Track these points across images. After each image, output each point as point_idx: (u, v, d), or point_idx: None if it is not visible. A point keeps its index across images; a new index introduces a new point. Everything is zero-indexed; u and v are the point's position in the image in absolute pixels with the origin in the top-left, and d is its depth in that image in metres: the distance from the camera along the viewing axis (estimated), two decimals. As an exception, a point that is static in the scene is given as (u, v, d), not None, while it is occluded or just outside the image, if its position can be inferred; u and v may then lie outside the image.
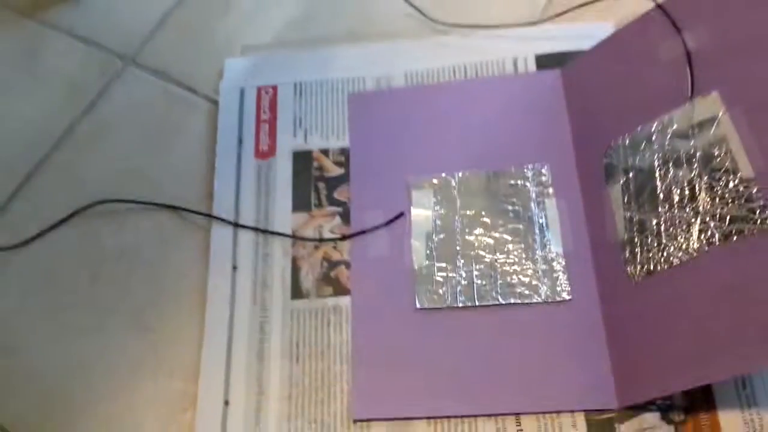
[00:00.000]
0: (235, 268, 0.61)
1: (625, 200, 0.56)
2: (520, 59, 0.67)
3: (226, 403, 0.55)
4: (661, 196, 0.54)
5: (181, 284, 0.61)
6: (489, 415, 0.53)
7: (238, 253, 0.61)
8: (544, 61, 0.67)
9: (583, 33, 0.67)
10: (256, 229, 0.62)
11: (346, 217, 0.62)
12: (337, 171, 0.64)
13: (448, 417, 0.53)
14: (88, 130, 0.69)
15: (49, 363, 0.59)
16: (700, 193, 0.52)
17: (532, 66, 0.67)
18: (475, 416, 0.53)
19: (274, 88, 0.69)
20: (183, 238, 0.63)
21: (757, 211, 0.49)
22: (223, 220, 0.62)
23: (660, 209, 0.54)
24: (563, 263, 0.57)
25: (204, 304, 0.59)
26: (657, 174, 0.55)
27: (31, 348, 0.59)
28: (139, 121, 0.69)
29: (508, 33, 0.68)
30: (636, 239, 0.54)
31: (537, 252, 0.58)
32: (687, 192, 0.53)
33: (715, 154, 0.52)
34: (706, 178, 0.52)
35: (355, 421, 0.54)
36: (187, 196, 0.64)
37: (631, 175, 0.56)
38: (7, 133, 0.69)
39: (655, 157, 0.55)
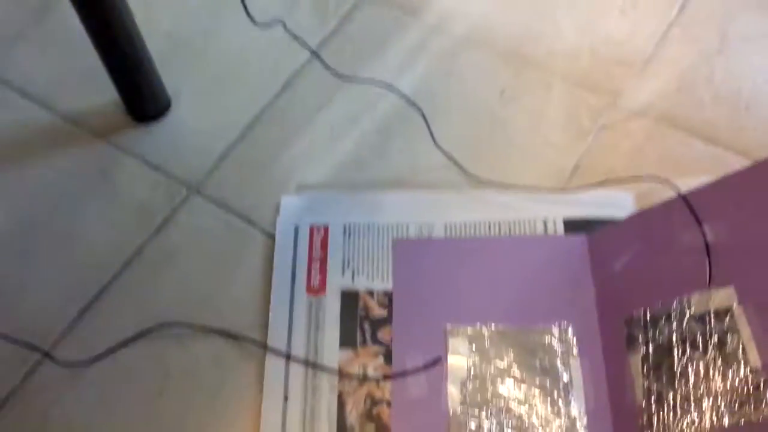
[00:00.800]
0: (286, 398, 0.66)
1: (644, 370, 0.63)
2: (549, 221, 0.75)
3: None
4: (678, 372, 0.61)
5: (238, 407, 0.66)
6: None
7: (289, 384, 0.67)
8: (571, 225, 0.75)
9: (605, 201, 0.75)
10: (306, 363, 0.68)
11: (388, 356, 0.68)
12: (381, 312, 0.71)
13: None
14: (155, 254, 0.75)
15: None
16: (714, 376, 0.59)
17: (560, 228, 0.75)
18: None
19: (326, 228, 0.76)
20: (239, 364, 0.69)
21: (763, 401, 0.56)
22: (276, 352, 0.68)
23: (676, 384, 0.60)
24: (585, 422, 0.63)
25: (258, 430, 0.65)
26: (675, 351, 0.62)
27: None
28: (202, 249, 0.75)
29: (539, 195, 0.76)
30: (653, 408, 0.61)
31: (561, 409, 0.64)
32: (702, 372, 0.60)
33: (729, 341, 0.59)
34: (720, 362, 0.59)
35: None
36: (243, 323, 0.70)
37: (650, 347, 0.63)
38: (81, 251, 0.75)
39: (674, 335, 0.62)
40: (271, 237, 0.76)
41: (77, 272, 0.74)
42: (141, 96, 0.83)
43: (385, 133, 0.83)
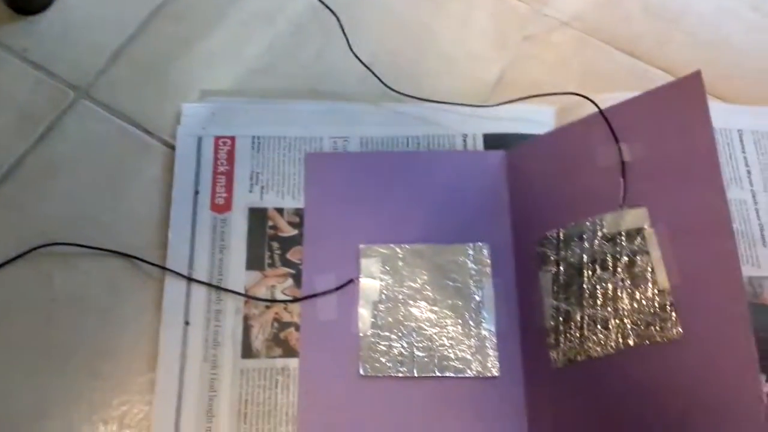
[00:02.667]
0: (187, 323, 0.63)
1: (554, 289, 0.62)
2: (469, 136, 0.72)
3: (178, 463, 0.58)
4: (587, 292, 0.60)
5: (134, 333, 0.62)
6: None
7: (190, 308, 0.63)
8: (491, 140, 0.72)
9: (527, 116, 0.73)
10: (209, 285, 0.64)
11: (298, 278, 0.65)
12: (290, 231, 0.67)
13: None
14: (38, 165, 0.68)
15: (2, 403, 0.59)
16: (622, 296, 0.59)
17: (480, 143, 0.72)
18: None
19: (232, 139, 0.70)
20: (135, 287, 0.64)
21: (668, 322, 0.56)
22: (177, 274, 0.64)
23: (584, 304, 0.60)
24: (495, 341, 0.63)
25: (156, 355, 0.61)
26: (585, 271, 0.61)
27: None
28: (92, 160, 0.69)
29: (459, 110, 0.73)
30: (561, 327, 0.61)
31: (472, 329, 0.64)
32: (610, 293, 0.59)
33: (638, 262, 0.59)
34: (628, 282, 0.59)
35: (298, 483, 0.58)
36: (139, 242, 0.65)
37: (561, 267, 0.63)
38: (-50, 161, 0.67)
39: (585, 254, 0.62)
40: (172, 147, 0.69)
41: (-53, 185, 0.66)
42: (18, -17, 0.73)
43: (299, 36, 0.76)
